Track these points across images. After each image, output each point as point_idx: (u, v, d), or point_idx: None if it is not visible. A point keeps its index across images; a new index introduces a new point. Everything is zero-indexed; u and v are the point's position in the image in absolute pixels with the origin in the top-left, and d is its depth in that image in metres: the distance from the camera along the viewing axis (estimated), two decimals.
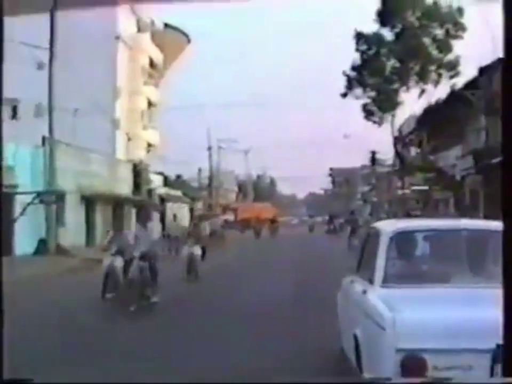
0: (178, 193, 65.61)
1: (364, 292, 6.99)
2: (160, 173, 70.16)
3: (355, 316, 7.27)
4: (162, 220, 51.83)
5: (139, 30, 66.75)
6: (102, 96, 58.80)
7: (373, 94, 40.81)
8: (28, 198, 27.49)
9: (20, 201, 27.72)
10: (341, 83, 41.15)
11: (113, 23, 60.06)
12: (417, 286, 6.57)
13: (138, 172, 48.24)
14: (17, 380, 2.88)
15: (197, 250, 21.97)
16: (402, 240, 7.19)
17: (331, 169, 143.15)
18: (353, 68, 40.12)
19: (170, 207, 58.45)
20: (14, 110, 61.10)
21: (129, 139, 62.82)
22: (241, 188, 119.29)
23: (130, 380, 7.85)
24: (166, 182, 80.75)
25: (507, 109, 2.64)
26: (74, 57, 58.35)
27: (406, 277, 6.91)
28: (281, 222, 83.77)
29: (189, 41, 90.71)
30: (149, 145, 69.23)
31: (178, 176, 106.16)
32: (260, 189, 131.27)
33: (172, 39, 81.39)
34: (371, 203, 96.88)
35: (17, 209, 27.57)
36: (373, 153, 64.55)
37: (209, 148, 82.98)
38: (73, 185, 35.15)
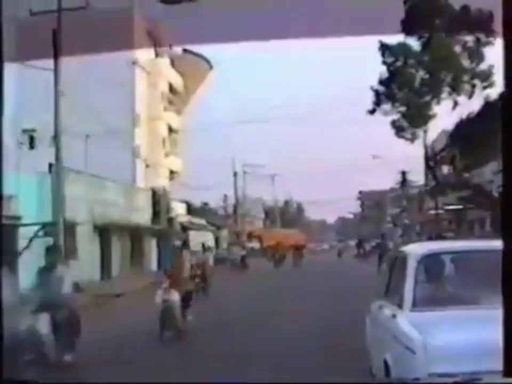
0: (201, 221, 63.49)
1: (393, 316, 6.93)
2: (183, 201, 68.27)
3: (385, 341, 7.19)
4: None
5: (157, 55, 65.19)
6: (121, 123, 57.11)
7: (402, 109, 37.94)
8: (32, 231, 25.42)
9: (24, 234, 25.66)
10: (368, 99, 38.34)
11: (130, 48, 58.63)
12: (447, 309, 6.48)
13: (157, 200, 46.19)
14: (16, 380, 3.12)
15: (175, 296, 15.45)
16: (431, 263, 7.15)
17: (360, 192, 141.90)
18: (381, 82, 37.30)
19: (194, 236, 56.36)
20: (31, 140, 59.77)
21: (149, 166, 61.04)
22: (268, 214, 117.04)
23: None
24: (190, 209, 78.99)
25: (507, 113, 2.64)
26: (91, 83, 57.07)
27: (435, 300, 6.86)
28: (309, 248, 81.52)
29: (211, 67, 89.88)
30: (171, 172, 67.42)
31: (205, 204, 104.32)
32: (288, 215, 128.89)
33: (193, 65, 79.89)
34: (402, 226, 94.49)
35: (22, 242, 25.53)
36: (403, 173, 62.22)
37: (235, 174, 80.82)
38: (86, 214, 33.10)
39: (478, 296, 6.60)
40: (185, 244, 48.67)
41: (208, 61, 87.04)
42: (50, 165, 28.34)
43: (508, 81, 2.60)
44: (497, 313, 5.35)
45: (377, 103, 37.37)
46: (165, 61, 66.63)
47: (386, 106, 37.81)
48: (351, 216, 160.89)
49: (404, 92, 37.10)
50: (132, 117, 59.05)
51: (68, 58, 54.97)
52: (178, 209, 63.64)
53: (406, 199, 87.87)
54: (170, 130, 67.71)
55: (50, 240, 23.11)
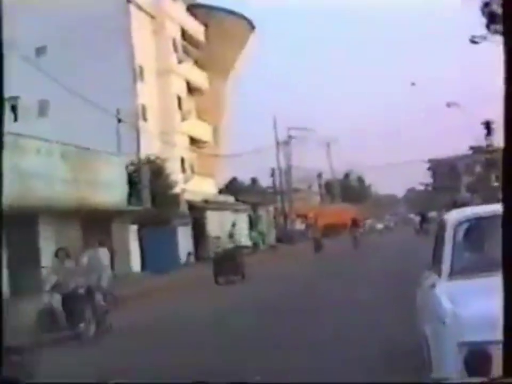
0: (228, 198, 50.23)
1: (432, 286, 6.85)
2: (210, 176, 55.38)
3: (424, 311, 7.27)
4: (196, 236, 36.53)
5: None
6: (117, 78, 44.63)
7: None
8: None
9: None
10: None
11: None
12: (486, 276, 5.86)
13: (137, 172, 33.00)
14: (10, 379, 2.92)
15: None
16: (469, 229, 6.93)
17: (429, 160, 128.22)
18: None
19: (213, 218, 43.30)
20: (14, 111, 47.51)
21: (161, 132, 48.21)
22: (328, 189, 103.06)
23: None
24: (229, 187, 66.38)
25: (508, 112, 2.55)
26: (76, 33, 44.85)
27: (474, 267, 6.40)
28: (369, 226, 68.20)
29: (252, 27, 78.89)
30: (193, 140, 54.30)
31: (254, 181, 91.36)
32: (350, 189, 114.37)
33: (232, 26, 69.06)
34: (482, 194, 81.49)
35: None
36: (488, 124, 47.87)
37: (278, 142, 66.98)
38: None
39: None
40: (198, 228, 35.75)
41: (249, 21, 76.70)
42: None
43: (508, 80, 2.44)
44: None
45: (492, 19, 22.71)
46: (175, 3, 53.37)
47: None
48: (422, 187, 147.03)
49: None
50: (131, 69, 46.27)
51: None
52: (204, 186, 50.82)
53: (484, 164, 76.60)
54: (190, 88, 54.53)
55: None
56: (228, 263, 25.05)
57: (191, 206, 38.98)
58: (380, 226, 74.51)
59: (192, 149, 54.41)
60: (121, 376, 8.54)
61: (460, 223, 6.89)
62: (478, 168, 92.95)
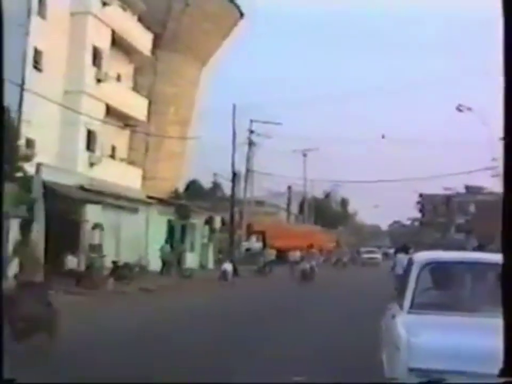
0: (136, 193, 36.70)
1: (393, 317, 7.36)
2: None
3: (384, 339, 7.86)
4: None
5: None
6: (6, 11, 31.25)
7: None
8: None
9: None
10: None
11: None
12: (441, 314, 6.83)
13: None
14: (15, 380, 2.97)
15: None
16: (433, 270, 7.49)
17: (421, 195, 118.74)
18: None
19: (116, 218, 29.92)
20: None
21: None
22: (302, 206, 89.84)
23: None
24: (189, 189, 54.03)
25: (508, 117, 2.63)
26: None
27: (432, 304, 7.14)
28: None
29: (241, 15, 69.69)
30: (111, 110, 40.65)
31: (215, 185, 78.72)
32: (328, 211, 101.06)
33: (217, 9, 62.01)
34: (478, 235, 72.90)
35: None
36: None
37: (235, 135, 53.31)
38: None
39: (473, 304, 6.97)
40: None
41: (237, 7, 67.74)
42: None
43: (508, 83, 2.59)
44: (485, 320, 6.22)
45: None
46: None
47: None
48: (408, 222, 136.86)
49: None
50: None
51: None
52: (124, 177, 37.64)
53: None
54: (115, 40, 40.85)
55: None
56: None
57: (50, 191, 25.15)
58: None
59: (117, 125, 41.20)
60: None
61: (425, 264, 7.42)
62: (472, 209, 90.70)
